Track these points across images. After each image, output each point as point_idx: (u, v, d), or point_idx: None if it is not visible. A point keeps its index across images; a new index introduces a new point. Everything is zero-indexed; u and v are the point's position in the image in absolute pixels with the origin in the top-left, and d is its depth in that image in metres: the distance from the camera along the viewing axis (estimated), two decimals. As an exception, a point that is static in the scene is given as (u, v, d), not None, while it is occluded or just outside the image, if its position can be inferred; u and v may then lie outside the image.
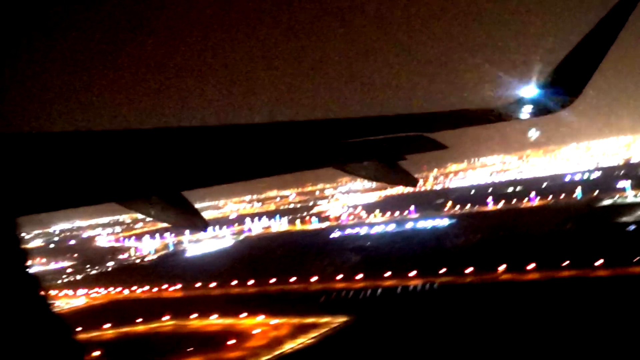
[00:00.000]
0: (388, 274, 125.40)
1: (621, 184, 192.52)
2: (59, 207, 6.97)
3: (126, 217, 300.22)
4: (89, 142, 7.77)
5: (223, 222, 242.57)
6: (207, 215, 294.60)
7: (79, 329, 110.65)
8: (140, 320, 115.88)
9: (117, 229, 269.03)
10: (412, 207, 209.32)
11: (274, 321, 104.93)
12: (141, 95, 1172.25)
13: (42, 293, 5.59)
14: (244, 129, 9.61)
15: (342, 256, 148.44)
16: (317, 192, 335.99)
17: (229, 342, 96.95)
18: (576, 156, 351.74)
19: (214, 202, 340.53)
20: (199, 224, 8.52)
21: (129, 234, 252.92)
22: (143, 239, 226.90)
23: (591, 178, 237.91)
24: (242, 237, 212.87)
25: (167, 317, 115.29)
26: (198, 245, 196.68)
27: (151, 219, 8.69)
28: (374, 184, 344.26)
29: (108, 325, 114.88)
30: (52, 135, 7.77)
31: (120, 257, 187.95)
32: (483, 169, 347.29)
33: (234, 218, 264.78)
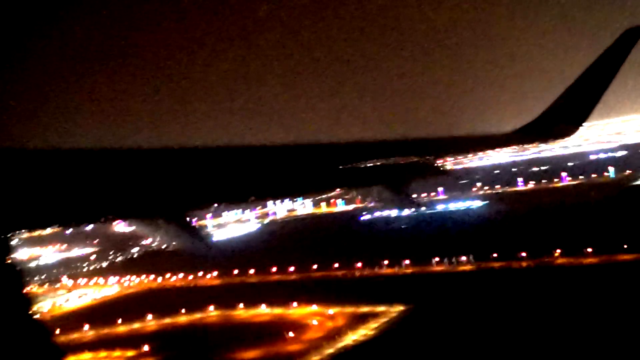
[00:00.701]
0: (436, 259, 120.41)
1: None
2: (60, 225, 7.35)
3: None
4: (95, 161, 7.78)
5: (242, 205, 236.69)
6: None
7: (119, 320, 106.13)
8: (183, 310, 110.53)
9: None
10: (440, 189, 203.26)
11: (330, 311, 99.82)
12: (141, 98, 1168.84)
13: (24, 299, 5.77)
14: (252, 151, 9.39)
15: (380, 240, 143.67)
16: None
17: (288, 335, 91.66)
18: (593, 135, 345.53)
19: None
20: (203, 248, 8.82)
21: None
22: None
23: (617, 156, 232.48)
24: (267, 220, 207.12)
25: (212, 308, 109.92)
26: (223, 230, 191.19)
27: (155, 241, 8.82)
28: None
29: (150, 316, 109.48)
30: (58, 153, 7.91)
31: (144, 242, 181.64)
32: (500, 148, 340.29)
33: (253, 200, 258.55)
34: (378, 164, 10.32)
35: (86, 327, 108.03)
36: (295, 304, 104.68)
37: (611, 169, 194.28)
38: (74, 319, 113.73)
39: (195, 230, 8.38)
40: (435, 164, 10.97)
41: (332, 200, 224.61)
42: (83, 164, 7.63)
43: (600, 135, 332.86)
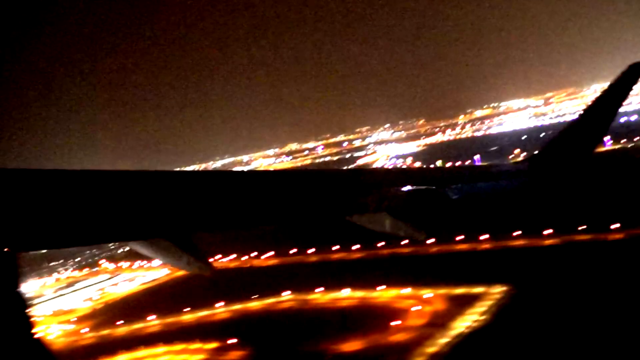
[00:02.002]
0: (517, 232, 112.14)
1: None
2: (66, 245, 7.59)
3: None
4: (99, 182, 7.88)
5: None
6: (242, 167, 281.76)
7: (187, 309, 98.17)
8: (255, 296, 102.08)
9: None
10: (477, 156, 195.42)
11: (426, 294, 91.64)
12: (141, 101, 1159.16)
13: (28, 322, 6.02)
14: (258, 176, 10.59)
15: (442, 214, 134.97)
16: (345, 144, 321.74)
17: (393, 323, 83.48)
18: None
19: (236, 157, 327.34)
20: (206, 269, 8.75)
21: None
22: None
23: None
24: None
25: (288, 292, 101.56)
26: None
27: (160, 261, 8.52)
28: (404, 133, 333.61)
29: (220, 303, 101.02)
30: (64, 174, 8.02)
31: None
32: (513, 114, 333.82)
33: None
34: (383, 191, 10.09)
35: (152, 317, 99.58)
36: (382, 286, 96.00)
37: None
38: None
39: (199, 252, 8.33)
40: (441, 193, 10.66)
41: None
42: (89, 184, 7.55)
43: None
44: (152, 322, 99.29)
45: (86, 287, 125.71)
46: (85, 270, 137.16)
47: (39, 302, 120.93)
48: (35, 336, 6.17)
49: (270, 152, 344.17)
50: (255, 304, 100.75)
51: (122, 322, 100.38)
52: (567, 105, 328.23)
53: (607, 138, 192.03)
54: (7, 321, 5.68)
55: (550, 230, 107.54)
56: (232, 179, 9.53)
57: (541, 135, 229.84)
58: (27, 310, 6.05)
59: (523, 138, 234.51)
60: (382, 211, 10.06)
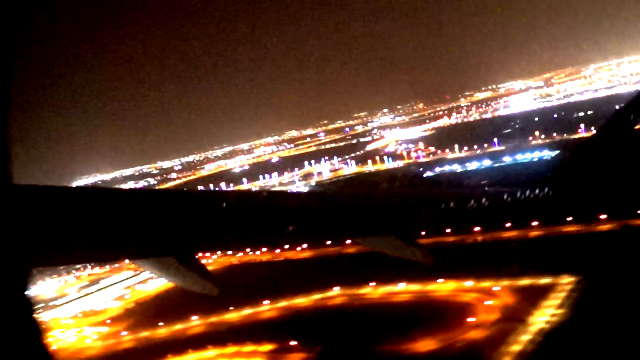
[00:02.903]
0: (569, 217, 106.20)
1: None
2: (75, 262, 8.94)
3: (151, 168, 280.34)
4: (106, 199, 7.73)
5: (273, 167, 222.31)
6: (241, 159, 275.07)
7: (231, 308, 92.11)
8: (303, 291, 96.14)
9: (151, 180, 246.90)
10: (495, 139, 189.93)
11: (492, 287, 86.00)
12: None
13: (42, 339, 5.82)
14: (265, 195, 9.97)
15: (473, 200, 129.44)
16: (347, 130, 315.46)
17: (465, 319, 77.87)
18: (609, 76, 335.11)
19: (235, 146, 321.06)
20: (212, 290, 8.09)
21: (171, 186, 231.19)
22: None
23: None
24: (312, 181, 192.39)
25: (336, 288, 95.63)
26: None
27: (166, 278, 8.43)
28: (406, 118, 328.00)
29: (266, 301, 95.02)
30: (70, 190, 8.35)
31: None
32: (515, 96, 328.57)
33: (278, 162, 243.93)
34: (391, 212, 9.80)
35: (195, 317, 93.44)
36: (440, 280, 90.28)
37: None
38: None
39: (205, 271, 7.86)
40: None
41: (376, 157, 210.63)
42: (93, 202, 7.30)
43: (614, 76, 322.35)
44: (195, 323, 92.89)
45: (111, 285, 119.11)
46: (107, 267, 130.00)
47: (64, 303, 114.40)
48: (44, 346, 5.80)
49: (270, 139, 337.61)
50: (302, 301, 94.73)
51: (161, 323, 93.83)
52: (570, 86, 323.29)
53: None
54: (14, 329, 5.39)
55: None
56: (242, 197, 9.37)
57: (554, 117, 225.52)
58: (34, 316, 5.71)
59: (536, 120, 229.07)
60: (390, 234, 9.49)
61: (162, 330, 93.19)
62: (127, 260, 8.82)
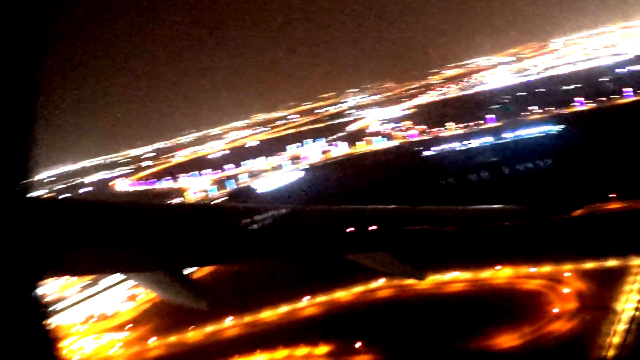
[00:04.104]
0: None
1: None
2: (71, 274, 13.54)
3: (120, 157, 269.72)
4: (103, 213, 7.94)
5: (254, 151, 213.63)
6: (216, 144, 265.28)
7: (264, 305, 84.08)
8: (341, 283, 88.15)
9: (125, 169, 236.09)
10: (491, 115, 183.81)
11: (554, 271, 79.10)
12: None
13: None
14: (253, 211, 9.11)
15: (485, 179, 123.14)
16: (324, 110, 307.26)
17: (552, 310, 70.81)
18: (580, 49, 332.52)
19: (203, 132, 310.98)
20: (202, 304, 8.80)
21: (150, 174, 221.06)
22: (178, 178, 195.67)
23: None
24: (304, 165, 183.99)
25: (381, 280, 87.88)
26: (263, 180, 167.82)
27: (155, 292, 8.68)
28: (380, 97, 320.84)
29: (306, 297, 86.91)
30: (68, 204, 9.07)
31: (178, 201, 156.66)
32: (486, 72, 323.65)
33: (258, 146, 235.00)
34: (383, 229, 9.62)
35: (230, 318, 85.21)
36: (497, 267, 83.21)
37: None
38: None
39: (195, 285, 8.33)
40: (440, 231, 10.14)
41: (365, 138, 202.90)
42: (91, 215, 7.46)
43: (586, 49, 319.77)
44: (228, 324, 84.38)
45: (117, 283, 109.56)
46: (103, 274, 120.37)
47: (68, 306, 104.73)
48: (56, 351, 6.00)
49: (239, 123, 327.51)
50: (342, 294, 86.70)
51: (192, 326, 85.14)
52: (542, 61, 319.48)
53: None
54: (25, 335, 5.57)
55: None
56: (227, 213, 9.24)
57: (542, 91, 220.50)
58: (45, 322, 5.93)
59: (522, 94, 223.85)
60: (382, 250, 9.51)
61: (192, 334, 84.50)
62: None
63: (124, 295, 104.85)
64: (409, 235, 10.05)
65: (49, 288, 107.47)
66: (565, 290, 75.22)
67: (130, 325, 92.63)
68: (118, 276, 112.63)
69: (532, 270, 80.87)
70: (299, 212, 10.09)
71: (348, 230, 9.52)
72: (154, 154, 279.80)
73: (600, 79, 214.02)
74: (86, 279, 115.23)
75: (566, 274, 77.79)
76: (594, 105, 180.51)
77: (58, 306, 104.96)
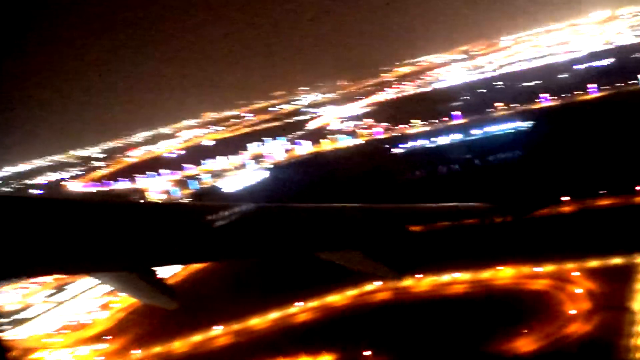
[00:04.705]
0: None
1: None
2: (28, 276, 7.92)
3: (69, 157, 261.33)
4: (66, 211, 7.59)
5: (212, 150, 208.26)
6: (170, 144, 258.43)
7: (251, 311, 79.93)
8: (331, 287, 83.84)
9: (75, 171, 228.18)
10: (457, 113, 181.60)
11: (562, 271, 76.11)
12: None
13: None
14: (220, 209, 8.94)
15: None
16: (278, 108, 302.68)
17: (568, 311, 67.61)
18: (530, 47, 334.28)
19: (153, 131, 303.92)
20: (171, 304, 8.50)
21: (103, 175, 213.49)
22: (136, 179, 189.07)
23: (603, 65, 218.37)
24: (268, 164, 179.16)
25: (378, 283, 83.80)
26: (228, 179, 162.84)
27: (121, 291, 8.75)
28: (335, 95, 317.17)
29: (299, 303, 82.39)
30: (29, 201, 8.22)
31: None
32: (441, 69, 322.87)
33: (215, 145, 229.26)
34: (357, 228, 9.58)
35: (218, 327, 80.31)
36: (501, 266, 79.93)
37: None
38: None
39: (164, 285, 8.12)
40: (414, 232, 9.88)
41: (329, 136, 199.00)
42: (54, 214, 7.29)
43: (539, 45, 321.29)
44: (217, 333, 79.41)
45: (87, 290, 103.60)
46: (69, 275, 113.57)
47: (35, 316, 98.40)
48: None
49: (190, 122, 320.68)
50: (335, 299, 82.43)
51: (175, 335, 79.90)
52: (495, 58, 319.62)
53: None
54: None
55: None
56: (197, 211, 8.89)
57: (501, 87, 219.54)
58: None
59: (482, 91, 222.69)
60: (354, 249, 9.24)
61: (178, 344, 79.25)
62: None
63: (96, 303, 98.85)
64: (380, 233, 9.72)
65: (10, 296, 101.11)
66: (576, 290, 72.03)
67: (109, 336, 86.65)
68: (86, 283, 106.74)
69: (536, 269, 77.56)
70: (266, 210, 9.77)
71: (317, 228, 9.26)
72: (104, 154, 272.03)
73: (560, 76, 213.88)
74: (50, 287, 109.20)
75: (574, 274, 74.55)
76: (559, 101, 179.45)
77: (24, 315, 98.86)
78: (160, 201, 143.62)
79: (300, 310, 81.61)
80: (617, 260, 75.65)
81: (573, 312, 67.41)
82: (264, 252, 9.14)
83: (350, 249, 9.44)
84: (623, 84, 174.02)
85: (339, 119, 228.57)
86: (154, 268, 7.96)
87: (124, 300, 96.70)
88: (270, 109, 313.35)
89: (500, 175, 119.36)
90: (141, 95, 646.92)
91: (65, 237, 7.00)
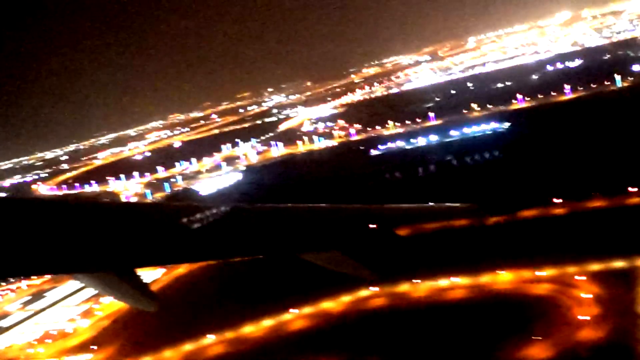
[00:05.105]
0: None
1: None
2: (10, 276, 7.47)
3: (32, 159, 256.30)
4: (41, 212, 7.56)
5: (182, 152, 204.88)
6: (136, 146, 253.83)
7: (242, 317, 77.55)
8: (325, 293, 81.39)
9: (40, 173, 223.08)
10: (432, 114, 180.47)
11: (562, 275, 74.54)
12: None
13: None
14: (196, 210, 8.73)
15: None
16: (244, 110, 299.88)
17: (577, 317, 65.92)
18: (497, 48, 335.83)
19: (119, 133, 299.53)
20: (151, 305, 8.11)
21: (71, 177, 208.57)
22: (110, 181, 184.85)
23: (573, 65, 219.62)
24: (241, 166, 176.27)
25: (375, 288, 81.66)
26: (203, 182, 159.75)
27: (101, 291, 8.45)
28: (301, 96, 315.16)
29: (294, 309, 79.75)
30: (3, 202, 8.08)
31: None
32: (409, 70, 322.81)
33: (183, 147, 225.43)
34: (336, 228, 9.47)
35: (211, 336, 77.46)
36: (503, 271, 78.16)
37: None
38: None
39: (144, 286, 7.90)
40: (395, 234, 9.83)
41: (304, 138, 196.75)
42: (30, 213, 7.22)
43: (505, 47, 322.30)
44: (209, 342, 76.50)
45: (66, 296, 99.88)
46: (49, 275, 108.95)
47: (14, 325, 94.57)
48: None
49: (155, 124, 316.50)
50: (330, 305, 80.00)
51: (165, 343, 76.84)
52: (462, 59, 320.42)
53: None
54: None
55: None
56: (175, 212, 8.58)
57: (471, 88, 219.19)
58: None
59: (453, 92, 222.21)
60: (333, 249, 8.99)
61: (169, 354, 76.16)
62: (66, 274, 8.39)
63: (76, 310, 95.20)
64: (359, 233, 9.34)
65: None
66: (582, 294, 70.35)
67: (93, 345, 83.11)
68: (64, 289, 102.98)
69: (537, 274, 75.78)
70: (243, 210, 9.41)
71: (296, 228, 9.10)
72: (70, 156, 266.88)
73: (532, 77, 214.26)
74: (26, 294, 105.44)
75: (578, 277, 72.96)
76: (535, 102, 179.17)
77: (0, 324, 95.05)
78: (136, 201, 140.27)
79: (295, 317, 78.87)
80: (619, 264, 74.14)
81: (583, 317, 65.53)
82: (243, 253, 8.90)
83: (330, 250, 9.19)
84: (597, 85, 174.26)
85: (309, 120, 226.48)
86: (134, 269, 7.70)
87: (106, 308, 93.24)
88: (239, 110, 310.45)
89: (480, 175, 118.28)
90: (106, 97, 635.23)
91: (42, 237, 6.78)
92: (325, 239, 9.32)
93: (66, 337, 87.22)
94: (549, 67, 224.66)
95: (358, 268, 9.39)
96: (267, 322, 78.69)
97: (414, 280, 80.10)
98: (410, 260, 76.85)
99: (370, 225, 9.89)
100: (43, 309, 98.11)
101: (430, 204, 11.14)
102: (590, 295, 70.01)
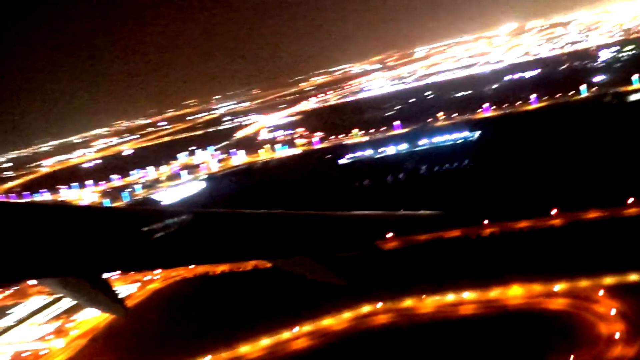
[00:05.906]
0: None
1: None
2: None
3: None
4: (13, 215, 7.26)
5: (134, 160, 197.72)
6: (83, 153, 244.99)
7: (235, 335, 72.88)
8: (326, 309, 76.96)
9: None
10: (397, 122, 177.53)
11: (576, 289, 71.45)
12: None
13: None
14: (172, 214, 8.50)
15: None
16: (194, 117, 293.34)
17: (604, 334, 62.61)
18: (446, 57, 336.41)
19: (62, 139, 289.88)
20: (121, 312, 8.31)
21: (16, 186, 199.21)
22: (62, 190, 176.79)
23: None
24: (202, 175, 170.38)
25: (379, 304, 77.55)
26: (162, 191, 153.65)
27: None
28: (250, 104, 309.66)
29: (296, 328, 75.02)
30: None
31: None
32: (360, 79, 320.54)
33: (134, 155, 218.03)
34: (305, 234, 9.15)
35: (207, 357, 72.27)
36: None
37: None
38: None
39: (112, 292, 7.83)
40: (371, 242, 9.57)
41: (267, 146, 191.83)
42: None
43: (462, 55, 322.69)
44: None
45: (33, 313, 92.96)
46: (8, 292, 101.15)
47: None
48: None
49: (100, 131, 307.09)
50: (330, 322, 75.43)
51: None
52: (413, 68, 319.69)
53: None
54: None
55: None
56: (129, 217, 8.32)
57: (430, 97, 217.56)
58: None
59: (412, 101, 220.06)
60: (303, 255, 8.82)
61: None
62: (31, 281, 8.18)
63: (48, 328, 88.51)
64: (325, 239, 9.11)
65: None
66: (603, 310, 67.12)
67: (76, 368, 76.81)
68: (32, 304, 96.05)
69: (554, 288, 72.40)
70: (205, 216, 8.93)
71: (263, 234, 8.82)
72: (11, 163, 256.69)
73: (491, 86, 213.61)
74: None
75: (601, 293, 69.78)
76: (501, 111, 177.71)
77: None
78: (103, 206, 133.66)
79: (294, 336, 73.97)
80: (634, 277, 71.24)
81: (611, 334, 62.23)
82: (211, 259, 8.34)
83: (298, 255, 8.84)
84: (561, 94, 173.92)
85: (266, 128, 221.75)
86: (104, 276, 7.47)
87: (82, 325, 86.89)
88: (188, 117, 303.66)
89: (449, 184, 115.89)
90: (49, 103, 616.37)
91: (7, 241, 6.43)
92: (292, 244, 8.92)
93: (41, 358, 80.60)
94: (509, 77, 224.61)
95: (327, 274, 9.04)
96: (265, 341, 73.75)
97: (421, 296, 76.05)
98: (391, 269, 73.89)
99: (337, 232, 9.49)
100: (11, 327, 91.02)
101: (398, 211, 10.74)
102: (613, 311, 66.80)
